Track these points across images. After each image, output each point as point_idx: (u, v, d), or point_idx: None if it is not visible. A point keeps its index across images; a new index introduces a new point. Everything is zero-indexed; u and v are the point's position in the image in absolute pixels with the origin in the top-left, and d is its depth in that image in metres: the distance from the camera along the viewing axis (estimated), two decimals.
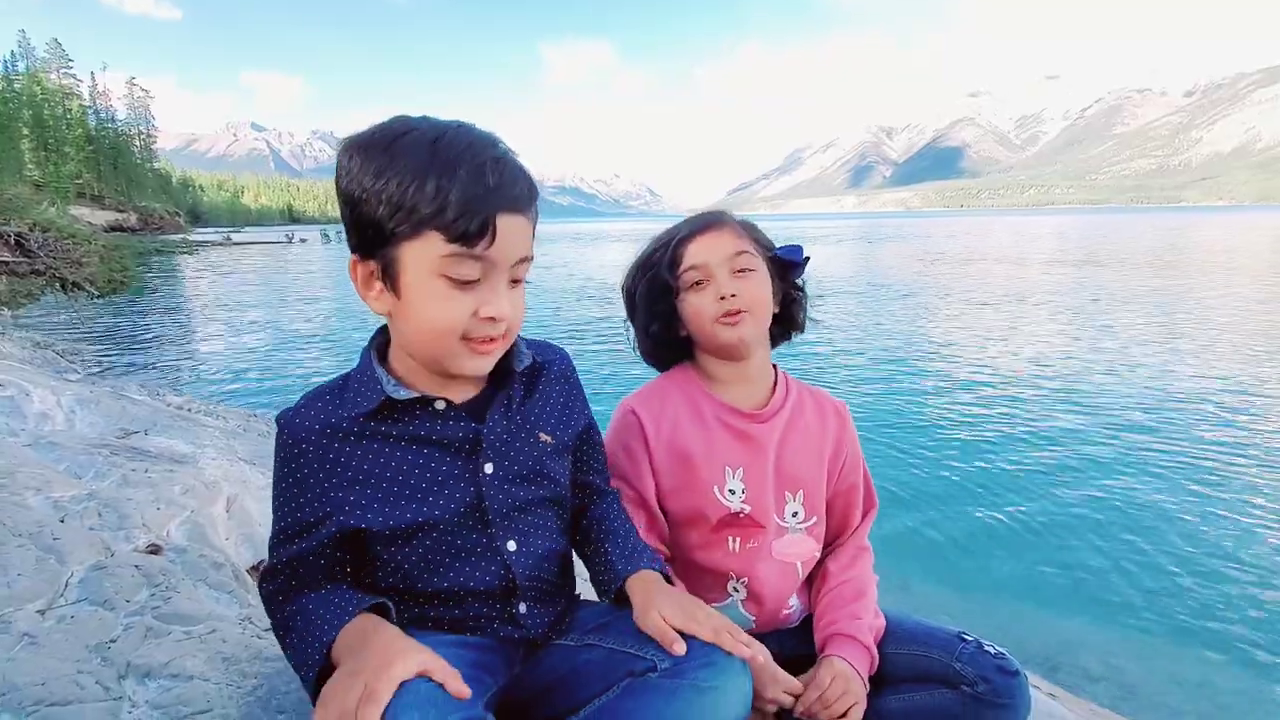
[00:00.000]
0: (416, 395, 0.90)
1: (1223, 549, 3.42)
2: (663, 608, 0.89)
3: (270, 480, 0.94)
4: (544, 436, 1.00)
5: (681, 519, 1.21)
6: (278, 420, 0.92)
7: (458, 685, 0.72)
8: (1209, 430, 5.20)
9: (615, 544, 1.04)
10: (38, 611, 1.27)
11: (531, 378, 1.02)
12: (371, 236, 0.83)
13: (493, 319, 0.85)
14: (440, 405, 0.93)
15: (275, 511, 0.92)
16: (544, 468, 1.00)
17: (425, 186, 0.78)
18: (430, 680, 0.73)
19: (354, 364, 0.96)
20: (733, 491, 1.18)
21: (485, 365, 0.90)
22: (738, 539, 1.20)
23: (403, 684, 0.72)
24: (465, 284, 0.83)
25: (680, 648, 0.84)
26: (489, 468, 0.94)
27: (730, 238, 1.17)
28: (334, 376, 0.96)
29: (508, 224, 0.82)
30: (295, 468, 0.90)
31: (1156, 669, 2.56)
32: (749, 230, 1.21)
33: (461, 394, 0.95)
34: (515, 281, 0.89)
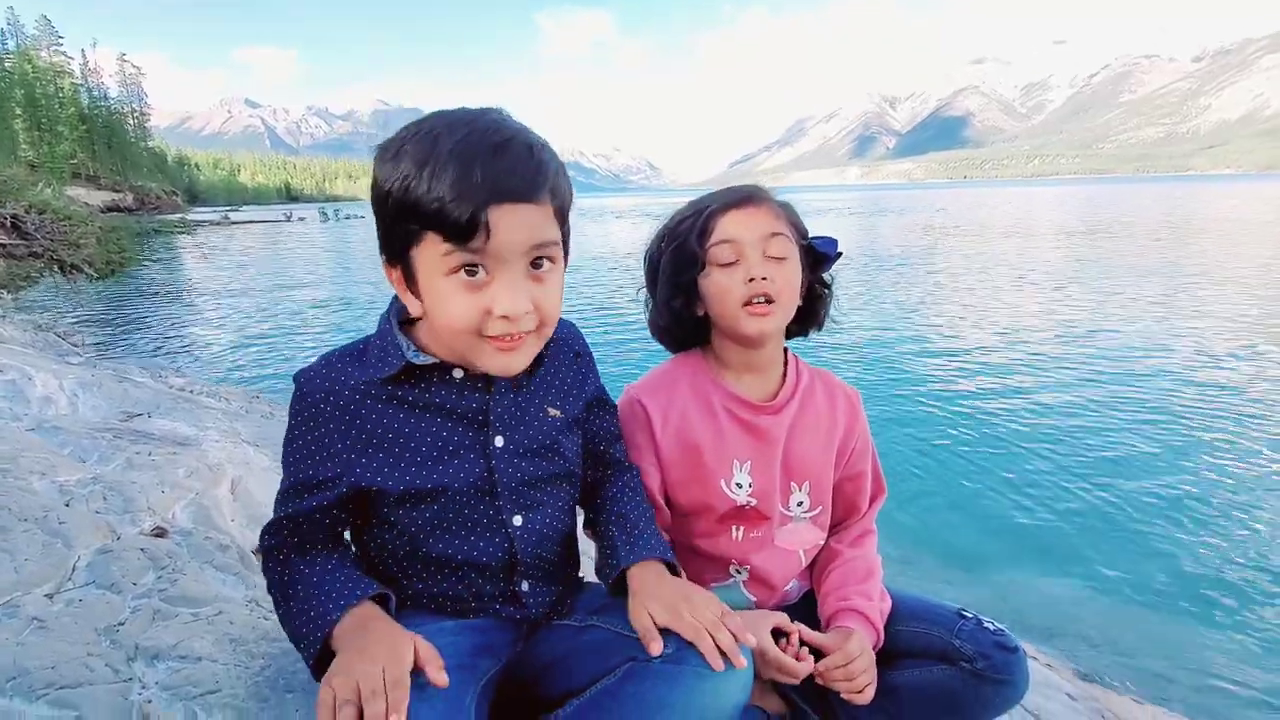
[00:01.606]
0: (435, 361, 0.91)
1: (1220, 521, 3.43)
2: (651, 605, 0.88)
3: (274, 463, 0.95)
4: (552, 411, 1.01)
5: (686, 509, 1.20)
6: (296, 378, 0.93)
7: (438, 675, 0.75)
8: (1214, 404, 5.20)
9: (623, 529, 1.03)
10: (46, 595, 1.28)
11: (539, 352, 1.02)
12: (390, 242, 0.84)
13: (506, 317, 0.82)
14: (458, 374, 0.93)
15: (287, 467, 0.93)
16: (555, 443, 1.00)
17: (418, 187, 0.77)
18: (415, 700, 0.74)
19: (364, 334, 0.97)
20: (740, 485, 1.16)
21: (516, 362, 0.88)
22: (741, 528, 1.19)
23: None
24: (474, 282, 0.81)
25: (657, 647, 0.83)
26: (499, 441, 0.95)
27: (768, 217, 1.10)
28: (353, 340, 0.96)
29: (505, 215, 0.78)
30: (312, 425, 0.91)
31: (1151, 638, 2.59)
32: (786, 212, 1.14)
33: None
34: (538, 269, 0.84)
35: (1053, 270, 13.21)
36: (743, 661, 0.83)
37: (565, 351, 1.06)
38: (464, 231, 0.77)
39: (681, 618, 0.84)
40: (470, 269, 0.80)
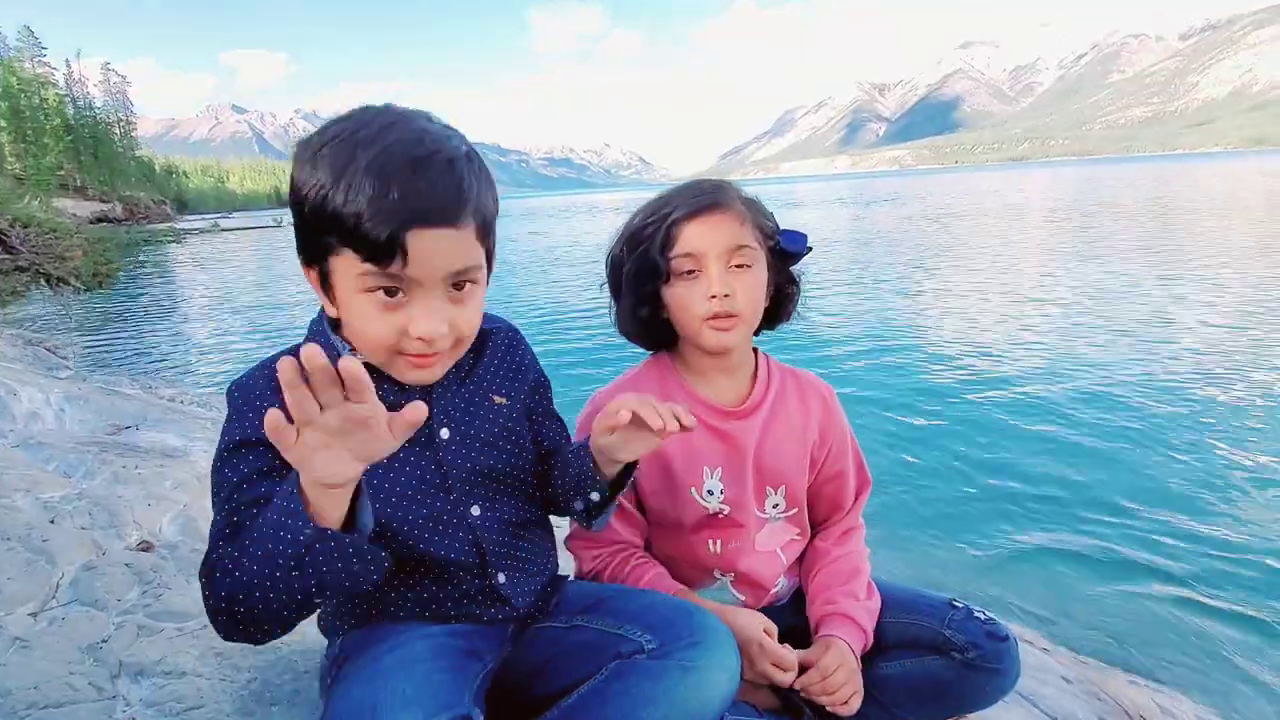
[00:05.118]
0: (370, 361, 0.87)
1: (1222, 503, 3.44)
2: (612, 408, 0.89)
3: None
4: (497, 399, 1.00)
5: (659, 520, 1.18)
6: (228, 389, 0.89)
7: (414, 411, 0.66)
8: (1203, 395, 5.20)
9: (567, 450, 1.03)
10: (29, 614, 1.27)
11: (479, 345, 1.00)
12: (307, 247, 0.81)
13: (423, 339, 0.79)
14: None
15: (223, 476, 0.82)
16: (505, 431, 0.99)
17: (335, 198, 0.73)
18: (420, 676, 0.75)
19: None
20: (711, 492, 1.15)
21: (430, 377, 0.87)
22: (719, 541, 1.17)
23: (390, 685, 0.75)
24: (392, 303, 0.78)
25: (625, 415, 0.86)
26: (445, 433, 0.94)
27: (732, 225, 1.07)
28: (284, 349, 0.94)
29: (425, 240, 0.74)
30: (251, 420, 0.83)
31: (1147, 619, 2.59)
32: (753, 213, 1.10)
33: None
34: (460, 290, 0.82)
35: (1042, 252, 13.22)
36: (691, 421, 0.86)
37: (504, 343, 1.05)
38: (381, 253, 0.74)
39: (648, 404, 0.86)
40: (389, 290, 0.77)
